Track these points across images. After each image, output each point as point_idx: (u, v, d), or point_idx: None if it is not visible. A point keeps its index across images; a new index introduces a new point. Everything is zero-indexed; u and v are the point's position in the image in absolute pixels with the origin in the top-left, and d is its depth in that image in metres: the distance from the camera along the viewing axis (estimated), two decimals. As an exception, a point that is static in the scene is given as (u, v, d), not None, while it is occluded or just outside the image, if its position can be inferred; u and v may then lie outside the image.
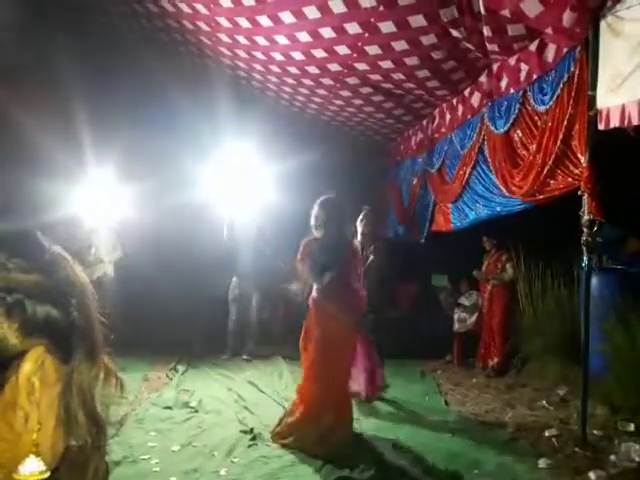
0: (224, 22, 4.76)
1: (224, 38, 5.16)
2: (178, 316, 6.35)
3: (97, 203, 6.33)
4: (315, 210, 3.71)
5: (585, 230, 3.65)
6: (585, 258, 3.70)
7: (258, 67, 5.66)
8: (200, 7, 4.65)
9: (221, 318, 6.54)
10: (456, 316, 6.62)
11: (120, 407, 4.10)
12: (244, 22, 4.61)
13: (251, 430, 3.83)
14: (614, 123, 3.38)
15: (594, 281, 4.67)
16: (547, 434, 3.88)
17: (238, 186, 6.67)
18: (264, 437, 3.73)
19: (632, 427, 3.85)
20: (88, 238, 6.20)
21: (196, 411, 4.30)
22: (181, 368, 5.64)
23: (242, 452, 3.50)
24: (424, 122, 6.73)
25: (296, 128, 7.45)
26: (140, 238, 6.37)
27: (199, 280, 6.73)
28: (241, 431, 3.83)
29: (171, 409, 4.30)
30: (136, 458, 3.29)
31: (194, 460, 3.35)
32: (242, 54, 5.43)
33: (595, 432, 3.78)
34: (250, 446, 3.59)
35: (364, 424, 4.10)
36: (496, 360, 5.96)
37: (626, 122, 3.27)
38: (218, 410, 4.36)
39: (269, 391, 4.90)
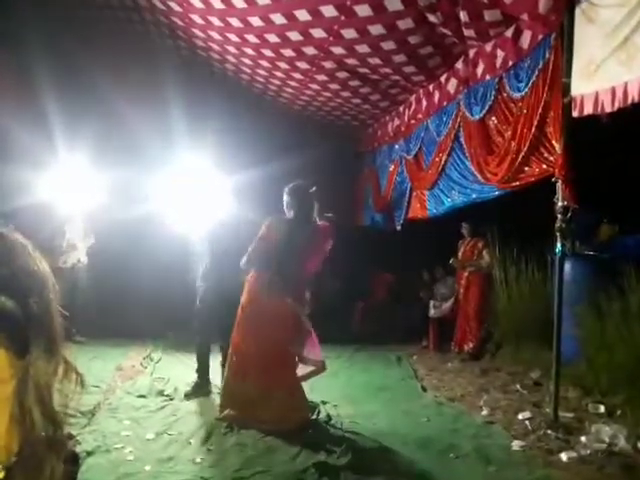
0: (197, 3, 4.63)
1: (197, 20, 5.04)
2: (152, 304, 6.26)
3: (69, 189, 6.16)
4: (284, 195, 3.99)
5: (559, 216, 3.68)
6: (559, 244, 3.74)
7: (232, 49, 5.55)
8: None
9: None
10: (432, 302, 6.68)
11: (93, 396, 4.04)
12: (217, 3, 4.50)
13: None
14: (588, 110, 3.40)
15: (567, 267, 4.73)
16: (520, 417, 3.94)
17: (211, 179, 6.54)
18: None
19: (602, 409, 3.93)
20: (61, 224, 6.06)
21: (171, 399, 4.25)
22: (156, 356, 5.58)
23: (218, 439, 3.47)
24: (401, 108, 6.71)
25: (272, 120, 7.36)
26: (113, 225, 6.24)
27: (173, 268, 6.61)
28: (217, 419, 3.80)
29: (145, 397, 4.24)
30: (109, 447, 3.22)
31: (169, 448, 3.30)
32: (216, 36, 5.31)
33: (567, 414, 3.85)
34: (226, 433, 3.55)
35: (341, 410, 4.10)
36: (471, 345, 6.03)
37: (599, 109, 3.30)
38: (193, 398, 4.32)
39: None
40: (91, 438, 3.30)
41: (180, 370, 5.14)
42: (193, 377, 4.55)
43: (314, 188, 3.96)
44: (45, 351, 0.64)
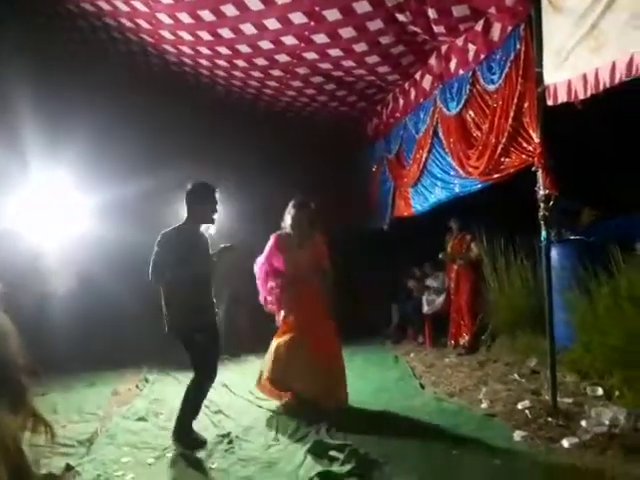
0: (165, 18, 4.61)
1: (166, 35, 5.01)
2: (144, 327, 6.12)
3: (46, 213, 5.94)
4: (290, 211, 4.34)
5: (541, 205, 3.71)
6: (543, 232, 3.77)
7: (205, 63, 5.53)
8: (138, 4, 4.50)
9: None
10: (424, 298, 6.69)
11: (90, 424, 3.98)
12: (186, 17, 4.48)
13: (228, 434, 3.76)
14: (562, 98, 3.44)
15: (554, 253, 4.78)
16: (520, 407, 3.94)
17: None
18: (241, 440, 3.68)
19: (600, 391, 3.96)
20: (35, 252, 5.80)
21: (169, 420, 4.18)
22: (151, 378, 5.50)
23: (220, 457, 3.43)
24: (378, 107, 6.73)
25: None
26: (99, 250, 6.11)
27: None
28: (218, 436, 3.77)
29: (144, 420, 4.18)
30: (110, 475, 3.17)
31: (171, 471, 3.26)
32: (187, 50, 5.28)
33: (566, 400, 3.87)
34: (227, 450, 3.52)
35: (342, 415, 4.08)
36: (467, 338, 6.04)
37: (573, 97, 3.33)
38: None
39: (243, 392, 4.84)
40: (91, 467, 3.25)
41: (177, 390, 5.07)
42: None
43: (312, 204, 4.34)
44: (10, 407, 0.62)
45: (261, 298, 4.51)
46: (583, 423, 3.46)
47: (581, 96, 3.25)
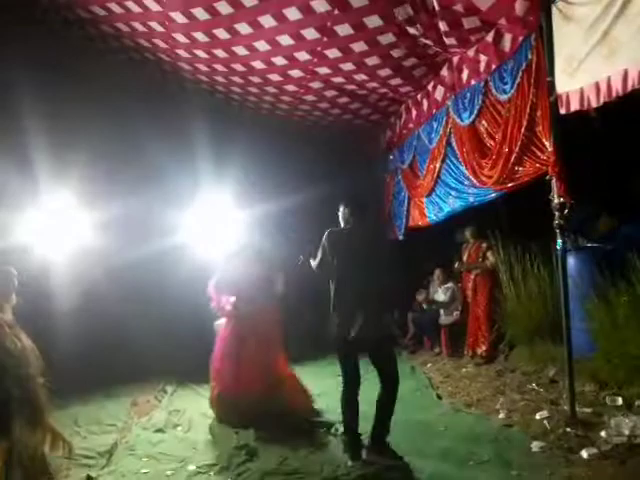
0: (181, 38, 4.73)
1: (183, 54, 5.12)
2: (162, 339, 6.13)
3: (54, 230, 5.63)
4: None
5: (556, 213, 3.70)
6: (559, 240, 3.76)
7: (220, 79, 5.63)
8: (155, 25, 4.62)
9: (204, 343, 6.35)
10: (442, 309, 6.66)
11: (109, 435, 4.02)
12: (201, 36, 4.59)
13: (246, 445, 3.77)
14: (574, 107, 3.45)
15: (571, 261, 4.74)
16: (538, 417, 3.91)
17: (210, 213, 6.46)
18: (259, 451, 3.69)
19: (620, 401, 3.89)
20: (48, 266, 5.77)
21: (188, 431, 4.23)
22: (170, 389, 5.53)
23: (238, 468, 3.44)
24: (392, 119, 6.77)
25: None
26: (110, 267, 6.11)
27: (182, 301, 6.43)
28: (235, 447, 3.78)
29: (162, 432, 4.21)
30: (129, 487, 3.22)
31: (189, 482, 3.30)
32: (203, 68, 5.40)
33: (585, 410, 3.82)
34: (245, 461, 3.53)
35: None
36: (484, 348, 5.98)
37: (586, 105, 3.34)
38: (210, 427, 4.29)
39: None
40: (111, 479, 3.30)
41: (195, 401, 5.11)
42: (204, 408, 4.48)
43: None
44: (29, 422, 0.66)
45: None
46: (603, 433, 3.42)
47: (594, 104, 3.26)
